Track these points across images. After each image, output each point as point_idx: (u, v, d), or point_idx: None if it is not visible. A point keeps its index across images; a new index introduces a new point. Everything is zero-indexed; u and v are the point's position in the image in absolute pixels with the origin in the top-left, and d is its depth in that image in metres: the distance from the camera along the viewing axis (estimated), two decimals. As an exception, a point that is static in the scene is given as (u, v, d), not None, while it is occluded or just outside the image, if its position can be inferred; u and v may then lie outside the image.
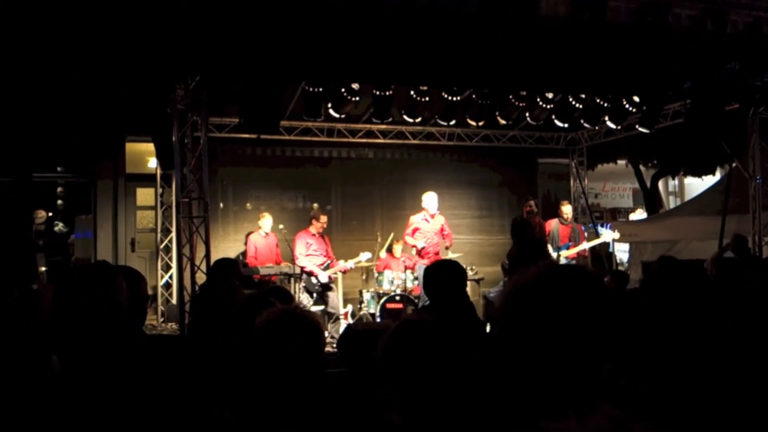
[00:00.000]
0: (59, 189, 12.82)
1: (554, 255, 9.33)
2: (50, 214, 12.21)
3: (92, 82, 7.50)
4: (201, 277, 7.34)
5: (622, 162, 15.15)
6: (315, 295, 8.68)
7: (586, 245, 9.57)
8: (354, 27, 6.35)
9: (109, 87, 7.74)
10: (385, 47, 6.57)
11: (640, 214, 15.04)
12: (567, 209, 9.71)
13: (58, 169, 11.71)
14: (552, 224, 9.62)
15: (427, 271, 3.72)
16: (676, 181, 18.11)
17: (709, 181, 14.58)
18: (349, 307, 9.79)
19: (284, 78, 7.35)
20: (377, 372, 1.82)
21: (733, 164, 9.98)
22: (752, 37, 7.22)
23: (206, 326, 4.28)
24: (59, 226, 12.33)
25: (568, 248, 9.37)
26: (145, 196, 11.50)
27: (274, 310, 2.21)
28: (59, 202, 12.89)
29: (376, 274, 9.34)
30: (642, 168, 15.36)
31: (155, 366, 2.39)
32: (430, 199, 9.09)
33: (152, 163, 11.04)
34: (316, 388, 2.08)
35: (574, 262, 9.17)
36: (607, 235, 9.72)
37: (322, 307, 8.93)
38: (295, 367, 2.04)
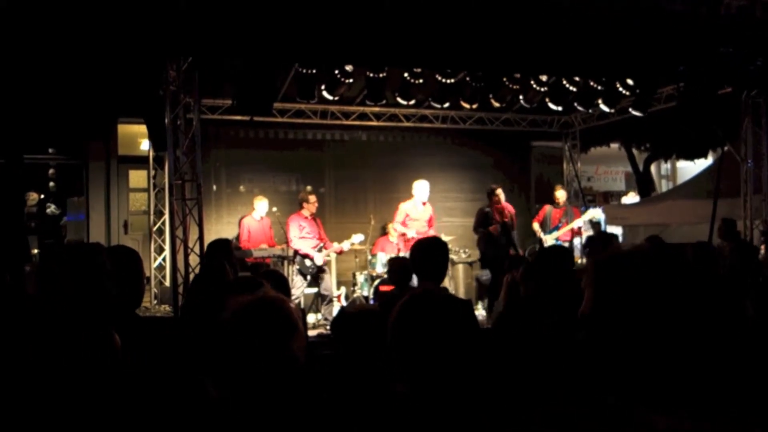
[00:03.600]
0: (51, 171, 12.74)
1: (543, 237, 9.51)
2: (42, 196, 12.15)
3: (84, 62, 7.43)
4: (194, 260, 7.34)
5: (615, 145, 15.17)
6: (309, 277, 8.69)
7: (573, 224, 9.64)
8: (348, 7, 6.32)
9: (101, 68, 7.67)
10: (379, 28, 6.54)
11: (632, 198, 15.06)
12: (559, 194, 9.90)
13: (50, 150, 11.59)
14: (546, 209, 9.85)
15: (421, 247, 3.51)
16: (669, 165, 18.16)
17: (702, 164, 14.63)
18: (343, 290, 9.83)
19: (277, 59, 7.30)
20: (386, 343, 1.86)
21: (725, 148, 10.02)
22: (745, 21, 7.23)
23: (198, 307, 4.28)
24: (51, 208, 12.25)
25: (558, 229, 9.47)
26: (137, 178, 11.45)
27: (241, 300, 2.19)
28: (51, 184, 12.81)
29: (369, 257, 9.36)
30: (635, 151, 15.40)
31: (146, 346, 2.39)
32: (421, 187, 9.16)
33: (145, 145, 10.98)
34: (290, 375, 2.08)
35: (566, 243, 9.26)
36: (590, 212, 9.84)
37: (315, 290, 8.96)
38: (263, 356, 2.04)
